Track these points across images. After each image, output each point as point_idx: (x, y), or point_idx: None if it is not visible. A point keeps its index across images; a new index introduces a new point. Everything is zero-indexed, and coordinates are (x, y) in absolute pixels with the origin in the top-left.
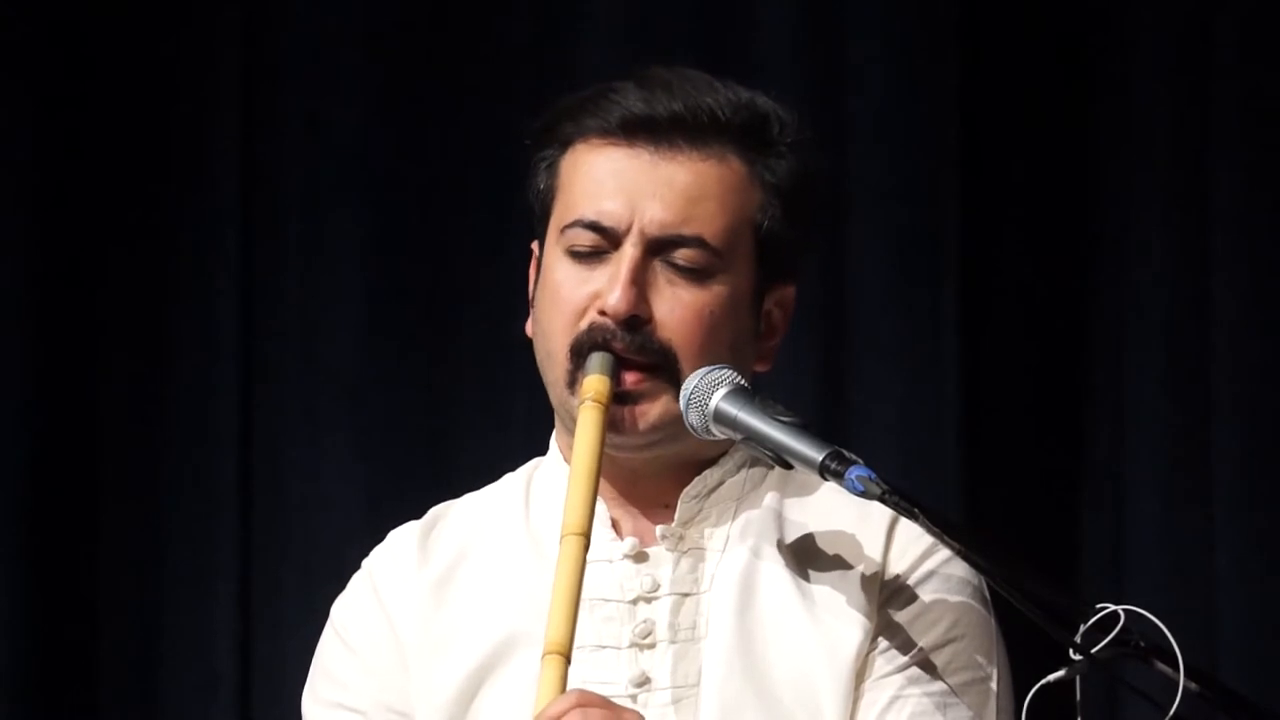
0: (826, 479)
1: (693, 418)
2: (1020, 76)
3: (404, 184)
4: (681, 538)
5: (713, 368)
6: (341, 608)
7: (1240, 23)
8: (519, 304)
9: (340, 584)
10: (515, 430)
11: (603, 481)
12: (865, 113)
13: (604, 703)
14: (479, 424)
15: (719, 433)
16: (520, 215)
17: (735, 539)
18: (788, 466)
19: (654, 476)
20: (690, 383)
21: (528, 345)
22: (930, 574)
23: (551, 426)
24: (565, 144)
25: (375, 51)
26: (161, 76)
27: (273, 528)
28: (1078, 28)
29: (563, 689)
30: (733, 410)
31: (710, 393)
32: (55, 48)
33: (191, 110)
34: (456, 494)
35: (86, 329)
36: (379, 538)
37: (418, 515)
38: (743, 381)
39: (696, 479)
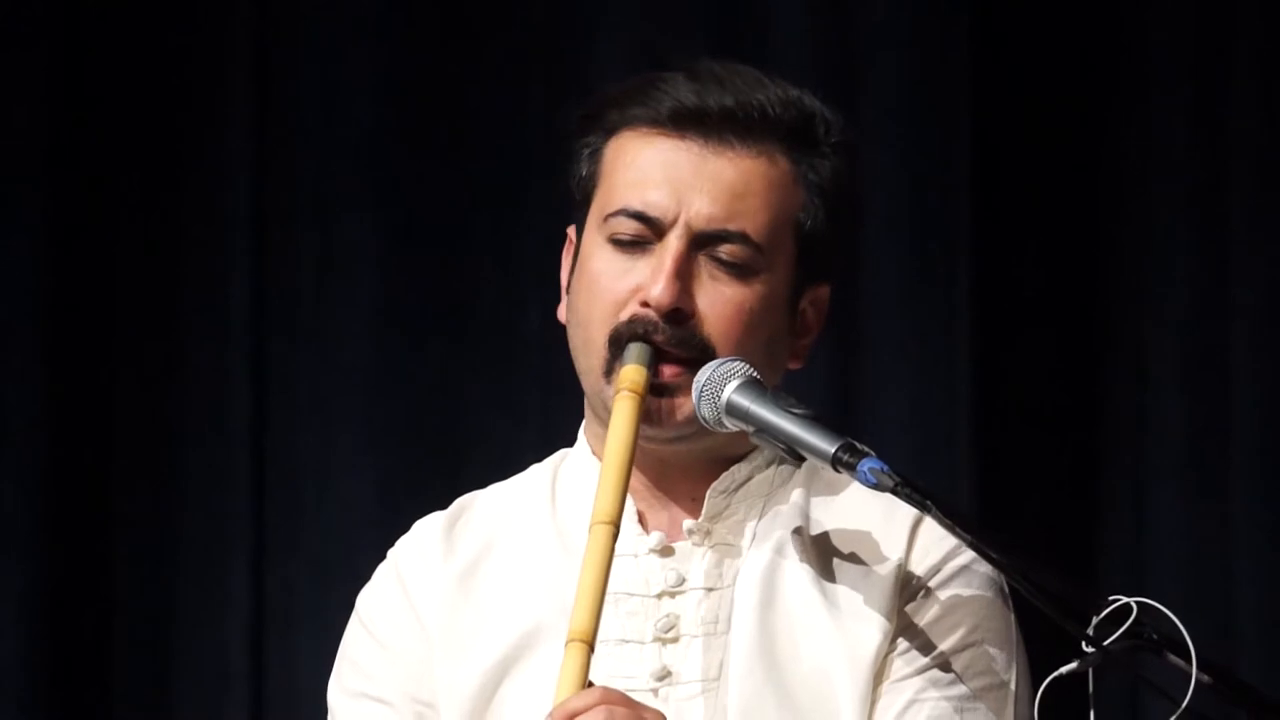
0: (838, 471)
1: (705, 409)
2: (1034, 72)
3: (416, 182)
4: (709, 533)
5: (724, 360)
6: (367, 598)
7: (1258, 18)
8: (531, 301)
9: (353, 580)
10: (528, 427)
11: (631, 473)
12: (877, 111)
13: (627, 701)
14: (491, 422)
15: (731, 425)
16: (530, 213)
17: (761, 535)
18: (799, 459)
19: (683, 470)
20: (703, 375)
21: (540, 343)
22: (952, 576)
23: (569, 422)
24: (610, 131)
25: (387, 51)
26: (174, 75)
27: (286, 525)
28: (1091, 23)
29: (585, 677)
30: (745, 402)
31: (722, 385)
32: (67, 48)
33: (205, 109)
34: (468, 491)
35: (101, 327)
36: (392, 536)
37: (430, 513)
38: (755, 374)
39: (725, 474)
